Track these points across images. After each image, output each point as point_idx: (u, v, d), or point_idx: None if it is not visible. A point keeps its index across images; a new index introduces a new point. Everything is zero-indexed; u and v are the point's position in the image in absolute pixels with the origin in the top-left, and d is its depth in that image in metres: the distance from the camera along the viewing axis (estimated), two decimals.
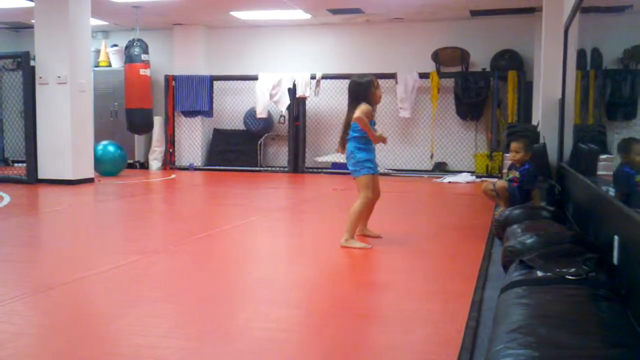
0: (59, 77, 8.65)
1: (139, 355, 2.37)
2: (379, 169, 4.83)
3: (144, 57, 10.29)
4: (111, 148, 10.17)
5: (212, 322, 2.78)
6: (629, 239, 2.60)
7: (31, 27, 9.40)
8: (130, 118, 10.48)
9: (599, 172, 4.18)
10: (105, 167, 10.03)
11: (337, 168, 11.09)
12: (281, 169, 11.66)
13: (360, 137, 4.52)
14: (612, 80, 4.27)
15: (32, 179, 8.73)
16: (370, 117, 4.48)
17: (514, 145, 5.35)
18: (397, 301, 3.24)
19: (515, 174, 5.23)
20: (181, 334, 2.63)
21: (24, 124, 8.85)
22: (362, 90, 4.52)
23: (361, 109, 4.42)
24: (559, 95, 6.89)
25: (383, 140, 4.57)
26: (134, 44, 10.28)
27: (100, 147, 10.01)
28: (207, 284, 3.51)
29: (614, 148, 4.13)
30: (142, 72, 10.22)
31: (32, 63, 8.84)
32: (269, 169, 11.79)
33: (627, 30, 3.70)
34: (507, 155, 5.91)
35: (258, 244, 4.99)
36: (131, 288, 3.40)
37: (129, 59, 10.32)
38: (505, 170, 6.11)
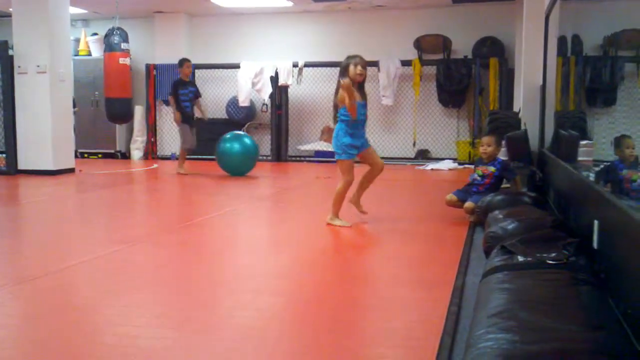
0: (38, 66, 8.54)
1: (122, 344, 2.36)
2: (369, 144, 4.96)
3: (123, 45, 10.18)
4: (247, 141, 8.63)
5: (195, 311, 2.78)
6: (608, 223, 2.63)
7: (9, 15, 9.26)
8: (110, 107, 10.36)
9: (579, 158, 4.22)
10: (234, 163, 8.56)
11: (320, 156, 11.09)
12: (264, 157, 11.63)
13: (347, 121, 4.67)
14: (592, 66, 4.30)
15: (11, 169, 8.64)
16: (351, 92, 4.55)
17: (485, 139, 5.37)
18: (380, 288, 3.26)
19: (489, 169, 5.21)
20: (164, 323, 2.63)
21: (2, 114, 8.73)
22: (342, 68, 4.75)
23: (342, 86, 4.57)
24: (540, 82, 6.93)
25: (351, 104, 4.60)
26: (114, 32, 10.17)
27: (228, 138, 8.59)
28: (190, 273, 3.50)
29: (594, 134, 4.18)
30: (121, 60, 10.10)
31: (10, 52, 8.72)
32: None
33: (607, 17, 3.73)
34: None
35: (241, 233, 4.99)
36: (114, 278, 3.39)
37: (109, 47, 10.20)
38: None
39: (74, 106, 10.71)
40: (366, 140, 4.88)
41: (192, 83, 9.19)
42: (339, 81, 4.69)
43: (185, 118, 8.89)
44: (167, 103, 12.01)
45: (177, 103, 8.83)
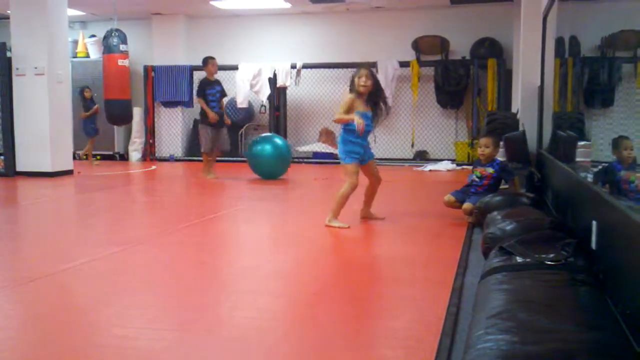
0: (36, 68, 8.55)
1: (122, 346, 2.36)
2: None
3: (122, 47, 10.18)
4: (278, 141, 8.26)
5: (195, 312, 2.78)
6: (606, 224, 2.64)
7: (7, 17, 9.26)
8: (109, 109, 10.36)
9: (577, 159, 4.22)
10: (265, 166, 8.16)
11: (318, 157, 11.09)
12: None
13: (347, 130, 4.75)
14: (589, 68, 4.31)
15: (10, 171, 8.63)
16: (351, 107, 4.68)
17: (483, 140, 5.37)
18: (379, 289, 3.26)
19: (487, 170, 5.21)
20: (164, 324, 2.63)
21: (0, 116, 8.72)
22: (350, 81, 4.80)
23: (341, 104, 4.73)
24: (538, 83, 6.94)
25: (352, 120, 4.65)
26: (112, 34, 10.17)
27: (259, 140, 8.25)
28: (189, 274, 3.50)
29: (591, 135, 4.19)
30: (120, 62, 10.11)
31: (8, 54, 8.72)
32: None
33: (605, 19, 3.74)
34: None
35: (240, 234, 4.99)
36: (113, 279, 3.39)
37: (108, 49, 10.21)
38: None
39: (94, 103, 10.68)
40: (371, 152, 4.99)
41: (218, 82, 8.70)
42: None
43: (209, 120, 8.34)
44: (173, 104, 12.00)
45: (206, 104, 8.35)
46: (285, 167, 8.36)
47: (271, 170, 8.19)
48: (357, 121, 4.54)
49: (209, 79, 8.58)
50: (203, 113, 8.41)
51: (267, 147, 8.10)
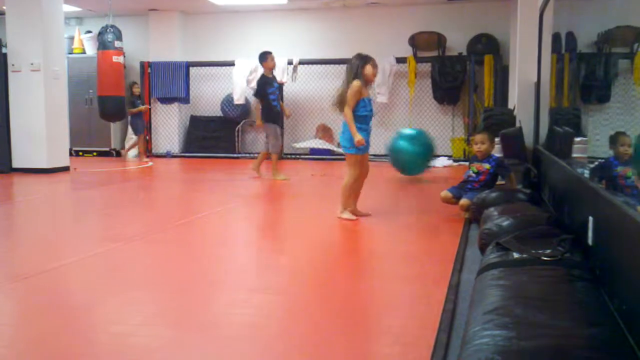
0: (32, 64, 8.52)
1: (117, 343, 2.35)
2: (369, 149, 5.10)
3: (117, 44, 10.14)
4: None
5: (191, 309, 2.77)
6: (603, 219, 2.64)
7: (2, 13, 9.23)
8: (103, 105, 10.32)
9: (574, 155, 4.22)
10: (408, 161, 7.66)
11: (315, 154, 11.08)
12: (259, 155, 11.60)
13: (357, 117, 4.78)
14: (586, 63, 4.31)
15: (5, 168, 8.61)
16: (360, 95, 4.76)
17: (479, 136, 5.35)
18: (376, 285, 3.26)
19: (483, 166, 5.21)
20: (160, 322, 2.62)
21: None
22: (357, 67, 4.80)
23: (350, 91, 4.72)
24: (535, 79, 6.94)
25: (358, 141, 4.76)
26: (107, 30, 10.13)
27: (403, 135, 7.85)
28: (185, 271, 3.50)
29: (588, 130, 4.19)
30: (115, 59, 10.06)
31: (3, 50, 8.69)
32: (247, 155, 11.74)
33: (601, 14, 3.74)
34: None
35: (237, 231, 4.98)
36: (109, 276, 3.38)
37: (102, 45, 10.17)
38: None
39: (140, 100, 10.74)
40: (369, 144, 4.96)
41: (275, 78, 8.19)
42: (350, 79, 4.80)
43: (274, 117, 7.91)
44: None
45: (269, 103, 7.81)
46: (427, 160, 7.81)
47: (416, 164, 7.63)
48: (358, 139, 4.69)
49: (268, 76, 7.96)
50: (266, 111, 7.82)
51: (402, 143, 7.63)
